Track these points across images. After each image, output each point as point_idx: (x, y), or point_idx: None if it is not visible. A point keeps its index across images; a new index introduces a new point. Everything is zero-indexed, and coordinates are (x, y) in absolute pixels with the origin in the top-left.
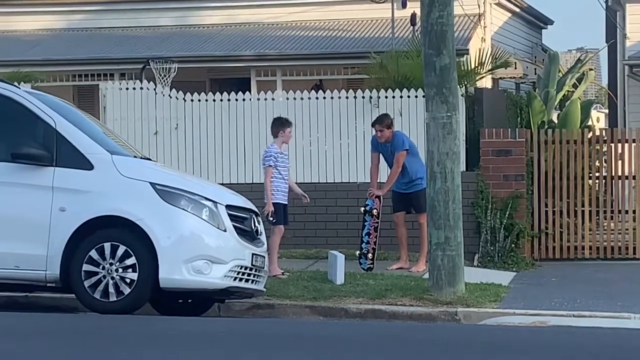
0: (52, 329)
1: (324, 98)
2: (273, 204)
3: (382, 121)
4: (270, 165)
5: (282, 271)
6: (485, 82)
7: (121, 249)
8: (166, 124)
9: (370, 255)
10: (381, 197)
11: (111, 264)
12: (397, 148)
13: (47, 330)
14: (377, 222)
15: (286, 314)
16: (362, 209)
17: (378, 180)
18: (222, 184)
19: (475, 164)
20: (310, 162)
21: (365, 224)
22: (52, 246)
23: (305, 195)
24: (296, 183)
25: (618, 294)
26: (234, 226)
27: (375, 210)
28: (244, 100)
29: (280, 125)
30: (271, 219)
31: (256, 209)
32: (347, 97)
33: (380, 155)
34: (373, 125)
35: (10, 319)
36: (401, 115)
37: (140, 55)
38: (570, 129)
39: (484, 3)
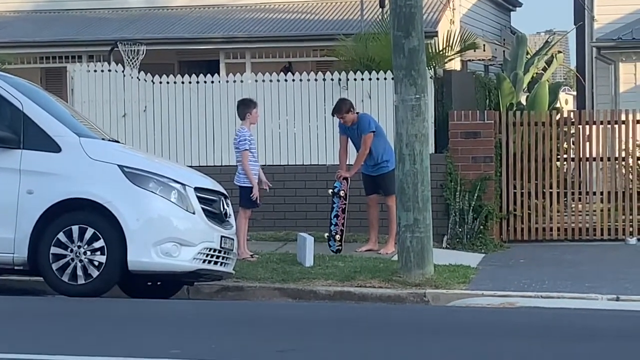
0: (20, 312)
1: (293, 80)
2: (246, 187)
3: (340, 109)
4: (246, 149)
5: (251, 253)
6: (454, 65)
7: (89, 232)
8: (134, 107)
9: (338, 237)
10: (349, 179)
11: (79, 247)
12: (364, 130)
13: (15, 313)
14: (345, 204)
15: (255, 296)
16: (330, 191)
17: (347, 163)
18: (191, 167)
19: (444, 146)
20: (280, 144)
21: (334, 205)
22: (20, 229)
23: (269, 183)
24: (265, 165)
25: (586, 275)
26: (202, 209)
27: (342, 192)
28: (212, 82)
29: (246, 107)
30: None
31: (225, 192)
32: (316, 80)
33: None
34: (332, 114)
35: None
36: (370, 97)
37: (108, 37)
38: (539, 111)
39: None
